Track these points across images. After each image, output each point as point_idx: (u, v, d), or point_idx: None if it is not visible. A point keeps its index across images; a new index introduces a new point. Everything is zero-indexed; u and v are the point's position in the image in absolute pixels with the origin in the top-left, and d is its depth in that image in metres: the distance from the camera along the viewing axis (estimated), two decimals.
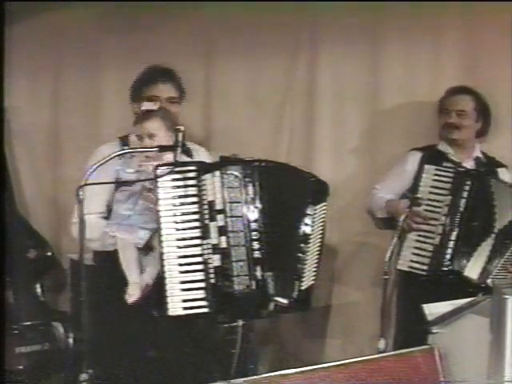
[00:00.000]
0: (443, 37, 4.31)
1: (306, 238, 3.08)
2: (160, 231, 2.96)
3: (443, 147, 3.99)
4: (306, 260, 3.08)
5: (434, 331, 2.85)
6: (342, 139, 4.39)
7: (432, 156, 3.90)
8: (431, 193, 3.71)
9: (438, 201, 3.69)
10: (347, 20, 4.29)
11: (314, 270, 3.14)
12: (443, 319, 2.85)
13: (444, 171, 3.74)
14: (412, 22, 4.27)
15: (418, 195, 3.71)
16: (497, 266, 3.68)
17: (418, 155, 3.94)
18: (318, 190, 3.19)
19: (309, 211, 3.09)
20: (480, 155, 4.00)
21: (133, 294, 3.10)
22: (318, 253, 3.16)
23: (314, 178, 3.21)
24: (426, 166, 3.77)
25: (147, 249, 3.21)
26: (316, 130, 4.37)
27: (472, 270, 3.66)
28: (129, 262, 3.17)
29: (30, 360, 3.57)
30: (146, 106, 3.27)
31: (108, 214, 3.28)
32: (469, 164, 3.93)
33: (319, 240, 3.17)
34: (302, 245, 3.07)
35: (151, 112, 3.23)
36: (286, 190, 3.06)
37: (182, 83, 3.59)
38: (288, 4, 4.25)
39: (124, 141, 3.42)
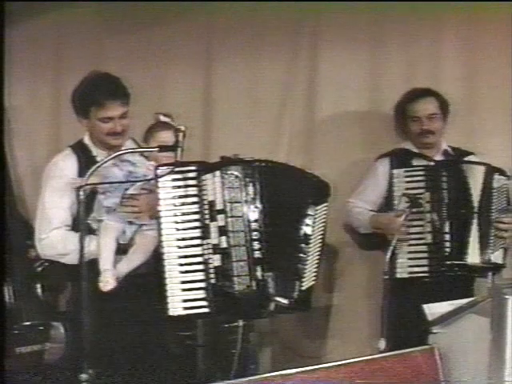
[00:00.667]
0: (443, 37, 4.31)
1: (306, 238, 3.08)
2: (160, 231, 2.95)
3: (408, 145, 4.00)
4: (307, 260, 3.09)
5: (435, 331, 2.86)
6: (343, 139, 4.39)
7: (400, 158, 3.91)
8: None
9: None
10: (347, 20, 4.30)
11: (315, 270, 3.15)
12: (443, 319, 2.86)
13: (414, 171, 3.77)
14: (412, 22, 4.28)
15: (395, 201, 3.71)
16: (490, 240, 3.71)
17: (386, 161, 3.95)
18: (319, 191, 3.20)
19: (310, 212, 3.10)
20: (447, 148, 4.01)
21: (107, 282, 3.05)
22: (318, 253, 3.17)
23: (315, 179, 3.22)
24: (395, 171, 3.80)
25: (127, 246, 3.20)
26: (316, 129, 4.37)
27: (472, 255, 3.68)
28: (105, 249, 3.12)
29: (30, 360, 3.57)
30: (165, 119, 3.26)
31: (74, 225, 3.24)
32: (438, 158, 3.95)
33: (320, 240, 3.17)
34: (303, 245, 3.07)
35: (166, 123, 3.24)
36: (287, 190, 3.06)
37: (127, 89, 3.41)
38: (288, 4, 4.25)
39: (76, 149, 3.40)
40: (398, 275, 3.67)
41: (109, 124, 3.32)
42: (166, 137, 3.16)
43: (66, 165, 3.35)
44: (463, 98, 4.30)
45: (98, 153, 3.37)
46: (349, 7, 4.21)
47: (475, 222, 3.71)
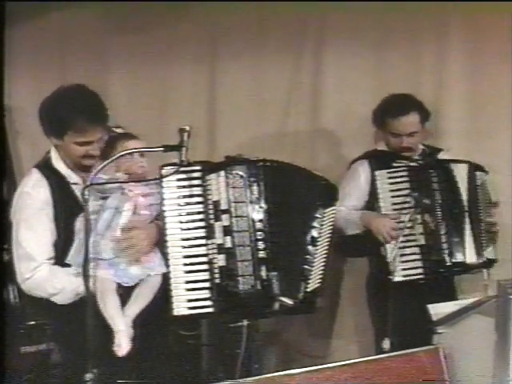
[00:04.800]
0: (447, 39, 4.32)
1: (313, 240, 3.07)
2: (165, 231, 2.95)
3: (383, 147, 3.95)
4: (313, 262, 3.07)
5: (439, 331, 2.85)
6: (347, 139, 4.39)
7: (379, 160, 3.84)
8: (393, 196, 3.68)
9: (403, 202, 3.64)
10: (351, 21, 4.30)
11: (321, 272, 3.12)
12: (448, 319, 2.86)
13: (397, 171, 3.71)
14: (417, 25, 4.28)
15: (381, 203, 3.68)
16: (482, 238, 3.72)
17: (365, 163, 3.87)
18: (327, 194, 3.19)
19: (317, 214, 3.09)
20: (423, 147, 3.96)
21: (121, 346, 2.84)
22: (325, 256, 3.14)
23: (324, 182, 3.20)
24: (377, 173, 3.73)
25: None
26: (320, 130, 4.38)
27: (469, 255, 3.67)
28: (112, 308, 2.91)
29: (36, 359, 3.57)
30: (121, 130, 3.14)
31: (57, 256, 3.04)
32: (416, 158, 3.90)
33: (327, 243, 3.15)
34: (309, 247, 3.06)
35: (128, 133, 3.13)
36: (293, 191, 3.06)
37: (107, 109, 3.13)
38: (292, 5, 4.25)
39: (45, 172, 3.08)
40: (396, 279, 3.61)
41: (86, 147, 3.05)
42: (134, 146, 3.04)
43: (38, 193, 3.05)
44: (467, 100, 4.31)
45: (70, 175, 3.12)
46: (353, 9, 4.22)
47: (467, 220, 3.70)
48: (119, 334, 2.87)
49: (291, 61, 4.38)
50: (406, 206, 3.60)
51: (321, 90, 4.36)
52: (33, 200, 3.04)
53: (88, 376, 2.66)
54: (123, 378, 3.06)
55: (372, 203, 3.76)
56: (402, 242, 3.55)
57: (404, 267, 3.61)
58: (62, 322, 3.10)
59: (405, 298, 3.52)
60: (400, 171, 3.71)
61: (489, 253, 3.76)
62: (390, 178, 3.70)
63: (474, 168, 3.79)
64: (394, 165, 3.76)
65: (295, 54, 4.38)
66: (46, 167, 3.13)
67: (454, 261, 3.66)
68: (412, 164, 3.77)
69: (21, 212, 3.05)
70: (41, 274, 3.01)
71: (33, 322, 3.64)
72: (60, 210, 3.05)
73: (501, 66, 4.18)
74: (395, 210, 3.65)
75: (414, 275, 3.64)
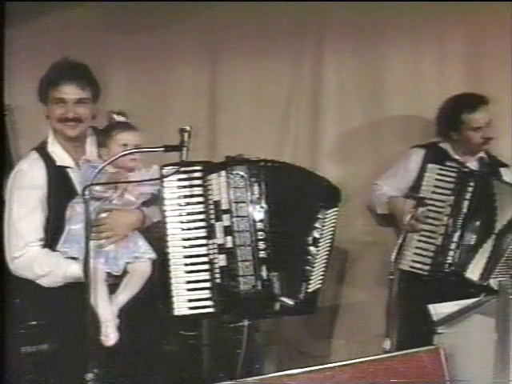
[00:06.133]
0: (447, 37, 4.32)
1: (314, 241, 3.08)
2: (165, 231, 2.95)
3: (446, 146, 3.98)
4: (314, 263, 3.08)
5: (440, 331, 2.86)
6: (347, 139, 4.39)
7: (435, 154, 3.89)
8: (434, 192, 3.71)
9: (440, 201, 3.69)
10: (352, 21, 4.31)
11: (322, 273, 3.14)
12: (449, 319, 2.86)
13: (447, 171, 3.73)
14: (416, 22, 4.28)
15: (421, 194, 3.69)
16: (497, 265, 3.69)
17: (421, 152, 3.94)
18: (330, 195, 3.19)
19: (319, 215, 3.10)
20: (483, 155, 3.98)
21: (109, 337, 2.90)
22: (326, 257, 3.15)
23: (326, 183, 3.21)
24: (430, 165, 3.75)
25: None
26: (321, 130, 4.38)
27: (473, 271, 3.67)
28: (99, 297, 2.93)
29: (36, 359, 3.57)
30: (120, 118, 3.14)
31: (47, 239, 3.06)
32: (472, 164, 3.94)
33: (328, 245, 3.16)
34: (311, 248, 3.07)
35: (125, 123, 3.14)
36: (295, 192, 3.06)
37: (93, 78, 3.19)
38: (293, 4, 4.25)
39: (42, 154, 3.14)
40: (401, 266, 3.62)
41: (62, 108, 3.09)
42: (128, 138, 3.06)
43: (33, 173, 3.09)
44: None
45: (64, 158, 3.15)
46: (353, 8, 4.22)
47: (490, 242, 3.69)
48: (106, 325, 2.91)
49: (292, 61, 4.38)
50: (442, 205, 3.66)
51: (321, 89, 4.36)
52: (28, 178, 3.07)
53: (89, 376, 2.67)
54: (122, 378, 3.07)
55: (415, 192, 3.77)
56: (422, 235, 3.65)
57: (414, 259, 3.68)
58: (60, 319, 3.10)
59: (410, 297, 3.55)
60: (450, 171, 3.72)
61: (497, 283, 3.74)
62: (439, 174, 3.72)
63: None
64: (447, 163, 3.78)
65: (295, 54, 4.38)
66: (42, 150, 3.16)
67: (452, 268, 3.66)
68: (463, 169, 3.77)
69: (15, 190, 3.06)
70: (30, 254, 3.03)
71: (33, 322, 3.64)
72: (54, 192, 3.07)
73: (503, 64, 4.17)
74: (431, 205, 3.66)
75: (419, 269, 3.68)
